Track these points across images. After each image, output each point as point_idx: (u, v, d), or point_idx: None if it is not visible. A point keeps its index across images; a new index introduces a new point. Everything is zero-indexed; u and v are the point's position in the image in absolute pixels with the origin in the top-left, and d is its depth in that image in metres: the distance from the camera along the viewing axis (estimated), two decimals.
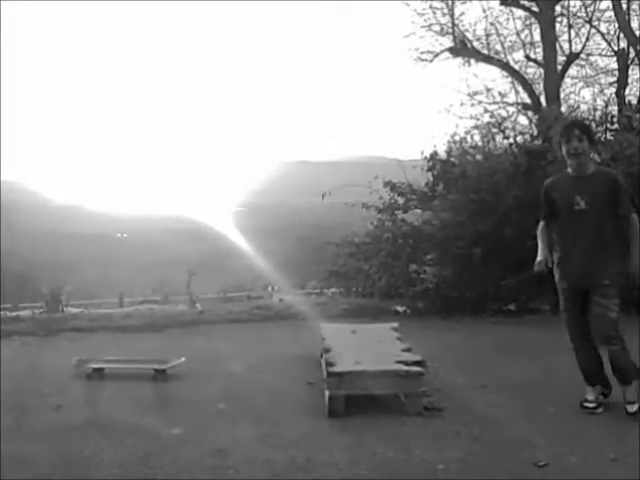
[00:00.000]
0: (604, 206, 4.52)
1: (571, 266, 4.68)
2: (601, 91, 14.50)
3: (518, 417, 4.65)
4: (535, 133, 10.95)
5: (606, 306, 4.50)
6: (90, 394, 5.50)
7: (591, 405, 4.68)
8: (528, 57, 14.26)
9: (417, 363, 4.94)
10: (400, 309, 9.55)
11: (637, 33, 13.14)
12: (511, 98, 14.78)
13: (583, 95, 15.54)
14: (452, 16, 14.04)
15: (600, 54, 14.52)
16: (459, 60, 14.33)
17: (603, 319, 4.51)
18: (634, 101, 12.14)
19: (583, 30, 14.00)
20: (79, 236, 28.41)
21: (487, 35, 14.35)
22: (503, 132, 11.01)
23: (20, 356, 7.08)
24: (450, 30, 14.10)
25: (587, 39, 13.95)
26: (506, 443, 4.15)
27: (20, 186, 30.95)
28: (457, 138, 10.88)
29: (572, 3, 13.80)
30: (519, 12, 14.16)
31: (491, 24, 14.35)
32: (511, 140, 10.72)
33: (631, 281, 4.53)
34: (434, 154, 10.49)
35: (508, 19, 14.39)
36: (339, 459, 3.94)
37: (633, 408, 4.51)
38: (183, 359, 6.16)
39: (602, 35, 13.98)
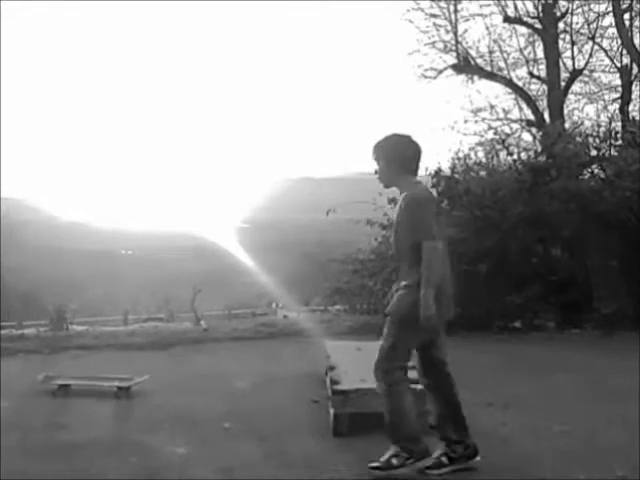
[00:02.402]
0: (399, 231, 4.04)
1: None
2: (605, 107, 14.52)
3: (525, 435, 4.63)
4: (539, 149, 10.98)
5: (384, 337, 3.95)
6: (94, 412, 5.48)
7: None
8: (531, 74, 14.31)
9: None
10: None
11: None
12: (515, 115, 14.82)
13: (587, 111, 15.58)
14: (455, 33, 14.09)
15: (603, 70, 14.56)
16: (463, 77, 14.39)
17: (379, 352, 3.96)
18: (638, 117, 12.15)
19: (586, 47, 14.04)
20: (84, 253, 28.45)
21: (490, 52, 14.40)
22: (507, 149, 11.04)
23: (24, 374, 7.06)
24: (453, 47, 14.15)
25: (590, 56, 13.99)
26: (513, 461, 4.12)
27: (25, 203, 31.05)
28: (461, 155, 10.92)
29: (575, 20, 13.83)
30: (522, 29, 14.23)
31: (494, 41, 14.40)
32: (515, 156, 10.75)
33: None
34: (438, 170, 10.50)
35: (511, 36, 14.45)
36: (344, 477, 3.92)
37: (373, 464, 3.83)
38: (146, 377, 6.18)
39: (605, 52, 14.02)
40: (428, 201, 4.04)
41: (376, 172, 4.15)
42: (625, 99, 13.06)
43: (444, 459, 3.89)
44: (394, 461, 3.78)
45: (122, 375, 6.20)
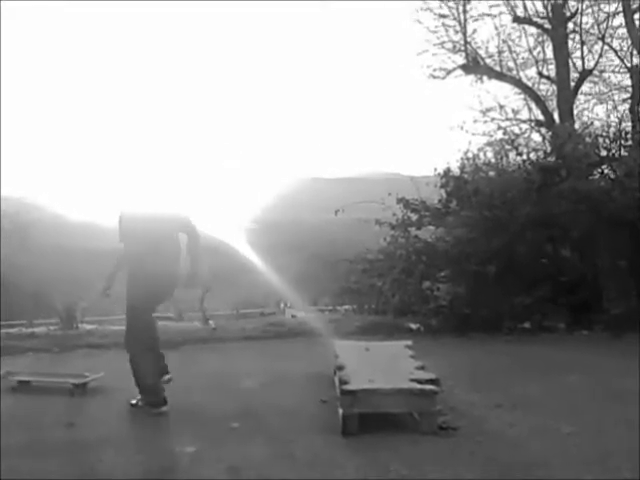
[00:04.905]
0: None
1: None
2: (615, 107, 14.43)
3: (533, 436, 4.62)
4: (548, 150, 10.95)
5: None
6: (101, 411, 5.50)
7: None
8: (541, 74, 14.25)
9: (431, 381, 4.91)
10: (414, 326, 9.52)
11: None
12: (524, 115, 14.74)
13: (596, 111, 15.47)
14: (464, 34, 14.05)
15: (613, 71, 14.47)
16: (472, 77, 14.35)
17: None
18: None
19: (596, 47, 13.96)
20: (93, 252, 28.48)
21: (500, 52, 14.35)
22: (516, 149, 11.02)
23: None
24: (463, 47, 14.10)
25: (600, 56, 13.91)
26: (521, 463, 4.11)
27: (32, 202, 31.13)
28: (470, 155, 10.90)
29: (584, 20, 13.76)
30: (531, 29, 14.17)
31: (503, 41, 14.35)
32: (524, 157, 10.73)
33: None
34: (447, 171, 10.50)
35: (520, 36, 14.38)
36: (353, 478, 3.92)
37: (131, 401, 5.52)
38: (102, 374, 6.30)
39: (615, 52, 13.95)
40: None
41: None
42: (635, 99, 12.98)
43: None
44: (140, 404, 5.46)
45: (79, 372, 6.37)
